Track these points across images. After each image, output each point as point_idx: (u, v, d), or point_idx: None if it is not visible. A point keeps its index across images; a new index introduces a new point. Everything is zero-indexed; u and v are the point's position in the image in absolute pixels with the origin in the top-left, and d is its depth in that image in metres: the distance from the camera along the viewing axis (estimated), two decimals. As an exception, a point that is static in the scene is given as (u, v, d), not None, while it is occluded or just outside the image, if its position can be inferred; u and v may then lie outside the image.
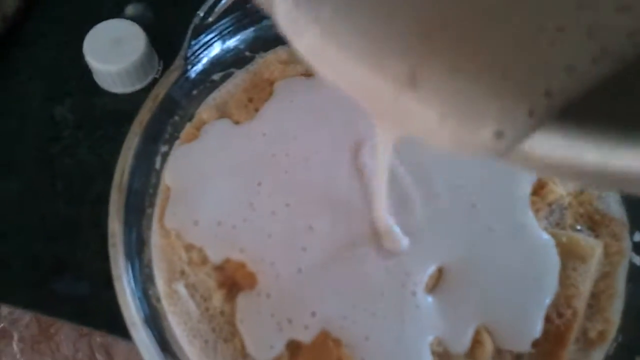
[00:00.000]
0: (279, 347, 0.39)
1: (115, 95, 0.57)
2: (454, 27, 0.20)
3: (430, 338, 0.39)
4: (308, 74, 0.49)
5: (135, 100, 0.52)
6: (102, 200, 0.44)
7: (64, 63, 0.58)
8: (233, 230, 0.43)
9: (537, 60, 0.20)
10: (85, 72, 0.56)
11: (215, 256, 0.42)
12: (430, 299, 0.41)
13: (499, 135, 0.20)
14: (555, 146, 0.20)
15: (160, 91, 0.47)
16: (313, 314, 0.40)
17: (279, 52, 0.51)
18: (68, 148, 0.55)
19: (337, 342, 0.39)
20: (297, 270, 0.41)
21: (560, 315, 0.40)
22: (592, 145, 0.20)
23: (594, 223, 0.44)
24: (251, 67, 0.51)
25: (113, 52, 0.54)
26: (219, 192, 0.44)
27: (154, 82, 0.56)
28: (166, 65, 0.56)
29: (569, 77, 0.19)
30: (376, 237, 0.42)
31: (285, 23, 0.22)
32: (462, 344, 0.39)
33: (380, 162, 0.36)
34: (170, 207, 0.44)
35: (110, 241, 0.41)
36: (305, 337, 0.39)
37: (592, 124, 0.20)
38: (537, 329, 0.39)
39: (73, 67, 0.57)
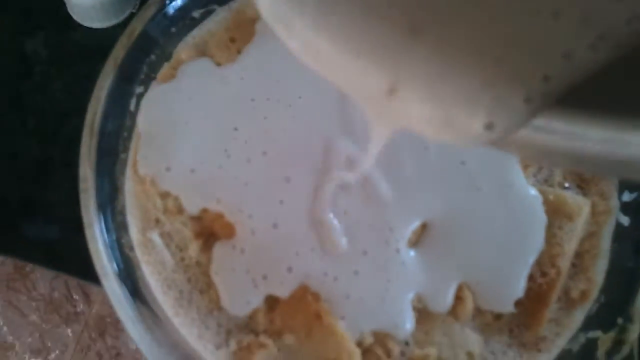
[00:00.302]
0: (256, 302, 0.37)
1: (90, 29, 0.53)
2: (443, 17, 0.18)
3: (411, 295, 0.38)
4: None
5: (112, 35, 0.49)
6: (76, 141, 0.40)
7: (36, -6, 0.54)
8: (208, 178, 0.40)
9: (534, 46, 0.18)
10: (60, 4, 0.52)
11: (191, 207, 0.39)
12: (412, 252, 0.39)
13: (489, 126, 0.19)
14: (555, 133, 0.19)
15: (136, 27, 0.43)
16: (289, 270, 0.38)
17: (264, -11, 0.47)
18: (40, 85, 0.51)
19: (316, 297, 0.37)
20: (273, 225, 0.39)
21: (543, 274, 0.39)
22: (595, 133, 0.19)
23: (583, 181, 0.42)
24: (234, 5, 0.47)
25: (88, -17, 0.49)
26: (192, 136, 0.41)
27: (132, 16, 0.52)
28: (145, -1, 0.52)
29: (567, 63, 0.18)
30: (359, 191, 0.39)
31: (271, 16, 0.21)
32: (443, 302, 0.37)
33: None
34: (141, 152, 0.41)
35: (81, 186, 0.38)
36: (282, 292, 0.37)
37: (594, 112, 0.19)
38: (520, 288, 0.38)
39: (45, -2, 0.53)
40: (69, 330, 0.55)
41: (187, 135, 0.41)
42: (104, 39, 0.51)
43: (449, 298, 0.38)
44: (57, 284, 0.54)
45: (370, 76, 0.19)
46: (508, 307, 0.38)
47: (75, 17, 0.52)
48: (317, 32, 0.20)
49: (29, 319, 0.54)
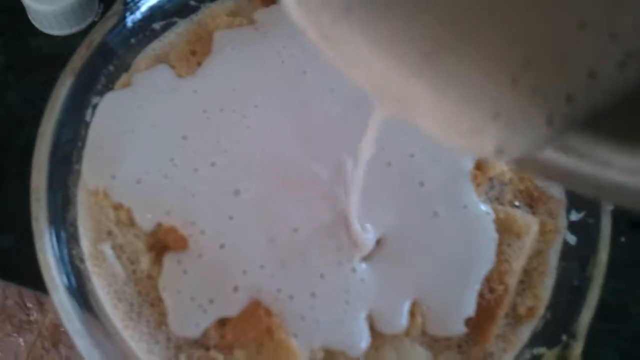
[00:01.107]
0: (206, 324, 0.36)
1: (51, 36, 0.51)
2: (458, 37, 0.17)
3: (364, 313, 0.37)
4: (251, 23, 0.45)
5: (72, 43, 0.48)
6: (31, 150, 0.39)
7: (-6, -1, 0.52)
8: (155, 189, 0.38)
9: (557, 62, 0.16)
10: (20, 10, 0.50)
11: (145, 222, 0.38)
12: (364, 265, 0.38)
13: (499, 151, 0.17)
14: (577, 156, 0.17)
15: (95, 37, 0.42)
16: (235, 289, 0.36)
17: (226, 3, 0.46)
18: (-4, 91, 0.50)
19: (268, 312, 0.36)
20: (221, 245, 0.37)
21: (492, 290, 0.38)
22: (621, 161, 0.17)
23: (533, 200, 0.42)
24: (196, 17, 0.46)
25: (50, -11, 0.48)
26: (138, 145, 0.39)
27: (94, 24, 0.51)
28: (107, 7, 0.51)
29: (593, 83, 0.16)
30: (311, 209, 0.38)
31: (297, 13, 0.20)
32: (398, 323, 0.36)
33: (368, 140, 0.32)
34: (86, 159, 0.40)
35: (33, 196, 0.37)
36: (231, 312, 0.36)
37: (622, 138, 0.17)
38: (471, 306, 0.37)
39: (5, 3, 0.51)
40: (21, 340, 0.52)
41: (133, 144, 0.40)
42: (64, 47, 0.49)
43: (403, 318, 0.37)
44: (10, 292, 0.52)
45: (387, 85, 0.18)
46: (459, 329, 0.37)
47: (35, 24, 0.51)
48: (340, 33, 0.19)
49: (-22, 328, 0.52)
